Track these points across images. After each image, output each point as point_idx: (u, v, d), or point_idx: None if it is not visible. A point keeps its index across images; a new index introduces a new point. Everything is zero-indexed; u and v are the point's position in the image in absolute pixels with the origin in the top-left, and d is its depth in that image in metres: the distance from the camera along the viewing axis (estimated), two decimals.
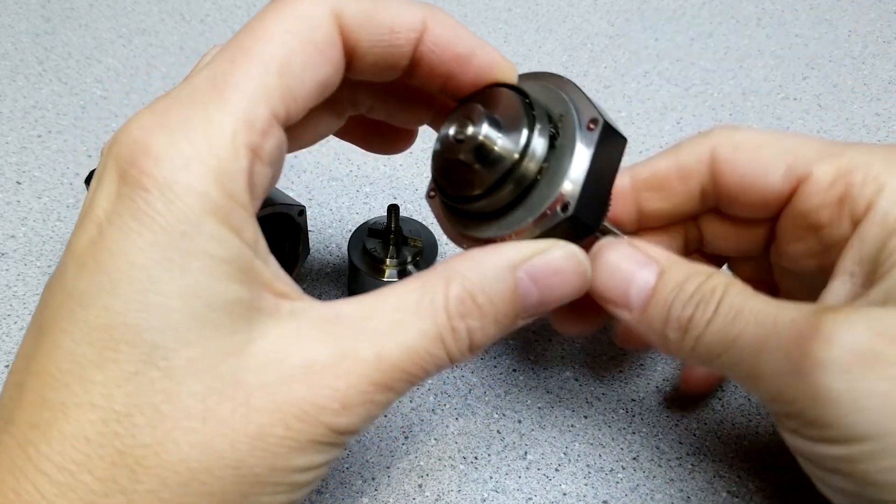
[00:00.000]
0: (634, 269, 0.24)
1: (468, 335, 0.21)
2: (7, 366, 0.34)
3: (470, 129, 0.22)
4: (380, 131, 0.29)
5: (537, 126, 0.22)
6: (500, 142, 0.22)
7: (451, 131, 0.23)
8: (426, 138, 0.46)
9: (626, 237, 0.25)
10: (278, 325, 0.20)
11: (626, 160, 0.25)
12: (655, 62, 0.54)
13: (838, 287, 0.24)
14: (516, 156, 0.22)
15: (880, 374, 0.19)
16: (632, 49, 0.55)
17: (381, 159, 0.45)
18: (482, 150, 0.22)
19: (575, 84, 0.23)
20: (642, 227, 0.30)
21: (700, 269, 0.24)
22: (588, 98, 0.23)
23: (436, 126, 0.28)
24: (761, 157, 0.26)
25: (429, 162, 0.31)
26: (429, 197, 0.26)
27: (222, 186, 0.18)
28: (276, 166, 0.21)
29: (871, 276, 0.23)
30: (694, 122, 0.49)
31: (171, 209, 0.18)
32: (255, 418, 0.18)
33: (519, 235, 0.22)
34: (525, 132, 0.22)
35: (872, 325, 0.20)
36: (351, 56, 0.21)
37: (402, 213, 0.40)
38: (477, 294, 0.21)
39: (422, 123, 0.28)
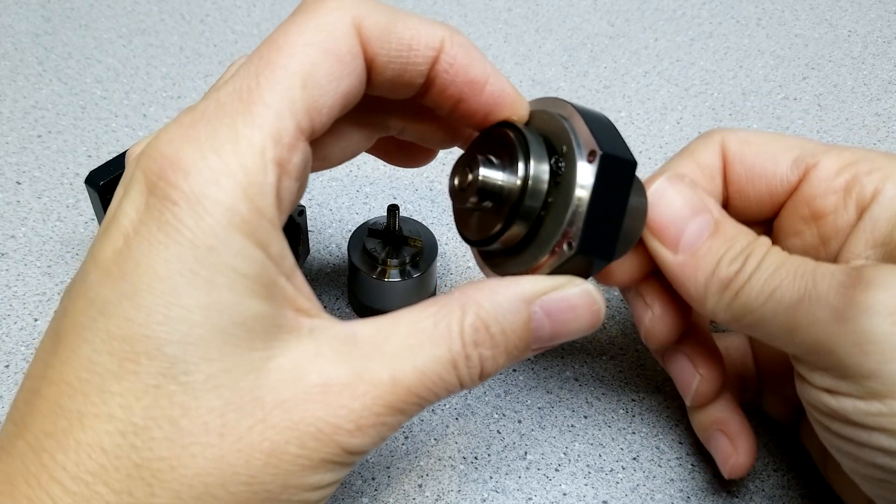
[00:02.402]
0: (691, 212, 0.25)
1: (480, 363, 0.21)
2: (7, 366, 0.34)
3: (470, 176, 0.23)
4: (404, 148, 0.29)
5: (533, 159, 0.22)
6: (500, 179, 0.23)
7: (456, 182, 0.24)
8: None
9: (687, 177, 0.26)
10: (297, 342, 0.20)
11: None
12: (655, 62, 0.54)
13: None
14: (516, 188, 0.22)
15: None
16: (632, 49, 0.55)
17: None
18: (485, 191, 0.23)
19: (579, 110, 0.23)
20: None
21: (747, 229, 0.25)
22: (590, 125, 0.22)
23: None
24: (769, 149, 0.27)
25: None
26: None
27: (251, 201, 0.18)
28: (302, 180, 0.21)
29: (889, 257, 0.24)
30: (694, 122, 0.49)
31: (199, 223, 0.18)
32: (271, 435, 0.19)
33: (535, 272, 0.23)
34: (521, 166, 0.22)
35: None
36: (368, 69, 0.22)
37: (402, 213, 0.40)
38: (491, 324, 0.21)
39: (453, 146, 0.28)
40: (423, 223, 0.37)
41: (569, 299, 0.22)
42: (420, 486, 0.31)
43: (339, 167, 0.45)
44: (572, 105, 0.23)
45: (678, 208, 0.25)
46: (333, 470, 0.20)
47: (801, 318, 0.22)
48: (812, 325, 0.21)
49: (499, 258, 0.25)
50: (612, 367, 0.35)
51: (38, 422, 0.18)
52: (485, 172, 0.23)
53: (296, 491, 0.19)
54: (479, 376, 0.21)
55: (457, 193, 0.24)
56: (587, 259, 0.22)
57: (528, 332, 0.22)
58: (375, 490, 0.30)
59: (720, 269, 0.24)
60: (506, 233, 0.23)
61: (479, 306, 0.21)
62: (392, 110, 0.26)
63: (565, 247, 0.22)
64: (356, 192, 0.43)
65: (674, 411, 0.33)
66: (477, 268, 0.28)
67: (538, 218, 0.23)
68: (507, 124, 0.24)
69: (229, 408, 0.18)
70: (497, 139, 0.24)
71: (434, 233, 0.36)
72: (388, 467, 0.31)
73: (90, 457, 0.18)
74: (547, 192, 0.22)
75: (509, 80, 0.24)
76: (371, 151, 0.29)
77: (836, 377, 0.21)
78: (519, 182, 0.22)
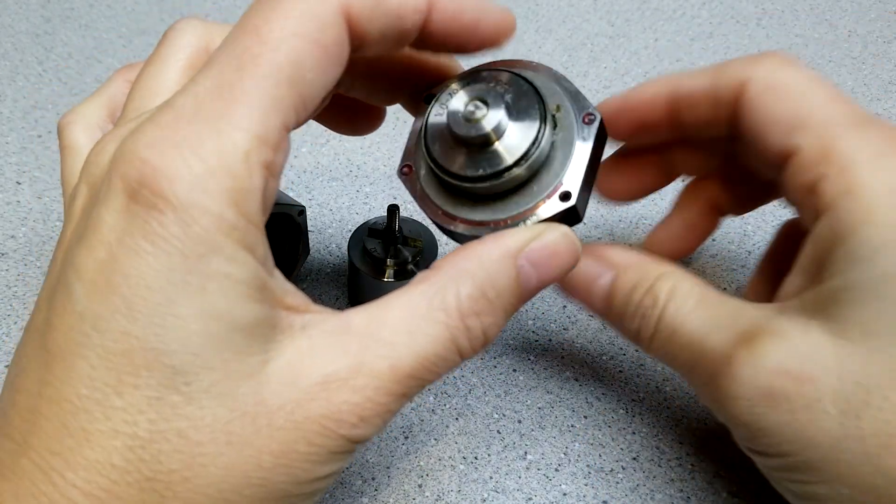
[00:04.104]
0: (595, 272, 0.27)
1: (483, 332, 0.21)
2: (7, 366, 0.34)
3: (486, 115, 0.22)
4: (350, 111, 0.29)
5: (546, 129, 0.23)
6: (509, 138, 0.22)
7: (462, 107, 0.23)
8: None
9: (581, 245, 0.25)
10: (292, 341, 0.20)
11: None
12: (655, 62, 0.54)
13: (792, 280, 0.24)
14: (520, 156, 0.22)
15: (782, 407, 0.22)
16: (632, 49, 0.55)
17: (381, 159, 0.45)
18: (490, 139, 0.22)
19: (564, 76, 0.24)
20: (675, 136, 0.29)
21: (648, 274, 0.26)
22: (579, 91, 0.24)
23: (410, 107, 0.28)
24: (773, 113, 0.24)
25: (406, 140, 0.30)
26: (402, 174, 0.26)
27: (238, 207, 0.18)
28: (281, 174, 0.20)
29: (815, 279, 0.23)
30: None
31: (187, 232, 0.18)
32: (279, 437, 0.19)
33: (514, 221, 0.23)
34: (533, 136, 0.22)
35: (779, 361, 0.22)
36: (359, 46, 0.21)
37: (402, 213, 0.40)
38: (487, 290, 0.21)
39: (397, 102, 0.28)
40: (423, 223, 0.37)
41: (550, 245, 0.22)
42: (420, 486, 0.31)
43: (339, 167, 0.45)
44: (550, 69, 0.25)
45: (584, 273, 0.27)
46: (341, 459, 0.20)
47: (694, 384, 0.25)
48: (701, 396, 0.25)
49: (465, 201, 0.24)
50: (612, 367, 0.35)
51: (42, 441, 0.18)
52: (502, 120, 0.22)
53: (307, 484, 0.19)
54: (481, 344, 0.21)
55: (461, 122, 0.23)
56: (569, 215, 0.23)
57: (518, 287, 0.22)
58: (375, 490, 0.30)
59: (624, 322, 0.26)
60: (498, 178, 0.23)
61: (471, 275, 0.21)
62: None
63: (557, 199, 0.23)
64: (356, 192, 0.43)
65: (674, 411, 0.33)
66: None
67: (536, 171, 0.23)
68: (523, 77, 0.23)
69: (234, 415, 0.18)
70: (510, 84, 0.23)
71: (434, 233, 0.36)
72: (388, 467, 0.31)
73: (101, 474, 0.18)
74: (548, 150, 0.23)
75: (496, 7, 0.23)
76: (318, 119, 0.28)
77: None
78: (530, 144, 0.22)
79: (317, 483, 0.20)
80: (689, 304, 0.25)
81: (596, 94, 0.51)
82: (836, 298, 0.22)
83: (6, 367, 0.34)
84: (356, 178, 0.44)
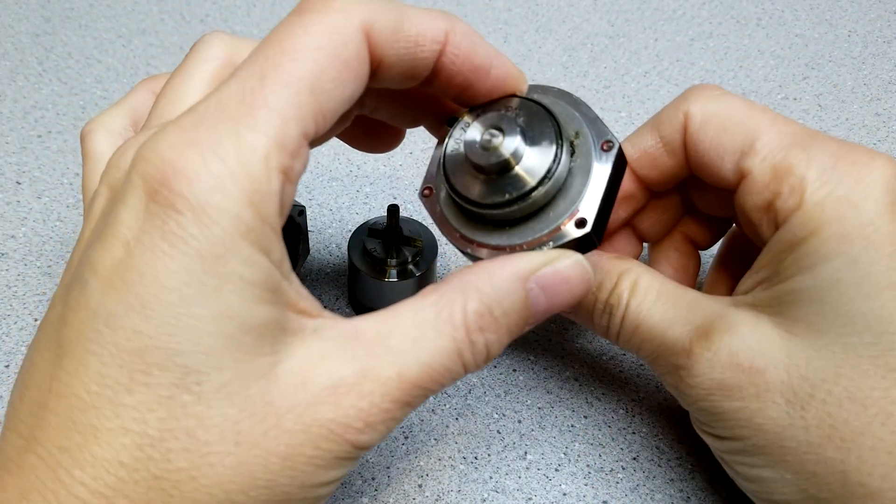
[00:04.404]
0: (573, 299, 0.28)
1: (486, 347, 0.21)
2: (7, 366, 0.34)
3: (503, 141, 0.23)
4: (372, 130, 0.29)
5: (563, 150, 0.23)
6: (528, 162, 0.23)
7: (479, 136, 0.23)
8: (426, 139, 0.46)
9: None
10: (303, 344, 0.20)
11: None
12: (655, 62, 0.54)
13: (747, 280, 0.26)
14: (541, 178, 0.22)
15: (734, 395, 0.24)
16: (632, 49, 0.55)
17: (381, 159, 0.45)
18: (508, 165, 0.23)
19: (584, 101, 0.24)
20: (653, 191, 0.31)
21: (610, 273, 0.27)
22: (598, 117, 0.24)
23: (434, 129, 0.28)
24: (721, 142, 0.26)
25: (428, 163, 0.31)
26: (423, 196, 0.26)
27: (255, 209, 0.18)
28: (299, 181, 0.21)
29: (768, 280, 0.25)
30: None
31: (204, 233, 0.18)
32: (286, 439, 0.19)
33: (530, 247, 0.23)
34: (552, 157, 0.23)
35: (732, 355, 0.24)
36: (376, 68, 0.21)
37: (402, 213, 0.40)
38: (494, 307, 0.21)
39: (420, 125, 0.28)
40: (423, 223, 0.37)
41: (562, 272, 0.22)
42: (420, 486, 0.31)
43: (339, 167, 0.45)
44: (571, 94, 0.24)
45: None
46: (344, 465, 0.20)
47: (657, 372, 0.28)
48: (664, 383, 0.27)
49: (482, 225, 0.24)
50: (612, 367, 0.35)
51: (49, 436, 0.18)
52: (518, 147, 0.22)
53: (311, 489, 0.20)
54: (484, 360, 0.22)
55: (477, 151, 0.23)
56: (584, 242, 0.23)
57: (526, 309, 0.22)
58: (375, 490, 0.30)
59: (594, 320, 0.28)
60: (513, 205, 0.23)
61: (479, 291, 0.21)
62: (367, 89, 0.26)
63: (572, 226, 0.23)
64: (356, 192, 0.43)
65: (674, 411, 0.33)
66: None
67: (552, 198, 0.23)
68: (541, 104, 0.24)
69: (243, 415, 0.18)
70: (526, 112, 0.23)
71: (434, 233, 0.36)
72: (388, 467, 0.31)
73: (108, 471, 0.18)
74: (565, 177, 0.23)
75: (510, 60, 0.24)
76: (339, 137, 0.29)
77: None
78: (545, 171, 0.22)
79: (320, 489, 0.20)
80: (649, 299, 0.26)
81: (596, 94, 0.51)
82: (786, 299, 0.24)
83: (6, 366, 0.34)
84: (356, 178, 0.44)
